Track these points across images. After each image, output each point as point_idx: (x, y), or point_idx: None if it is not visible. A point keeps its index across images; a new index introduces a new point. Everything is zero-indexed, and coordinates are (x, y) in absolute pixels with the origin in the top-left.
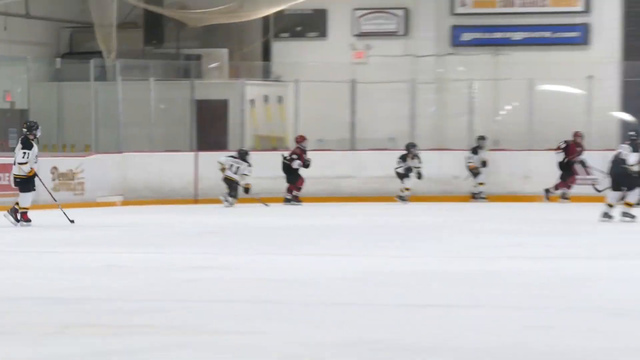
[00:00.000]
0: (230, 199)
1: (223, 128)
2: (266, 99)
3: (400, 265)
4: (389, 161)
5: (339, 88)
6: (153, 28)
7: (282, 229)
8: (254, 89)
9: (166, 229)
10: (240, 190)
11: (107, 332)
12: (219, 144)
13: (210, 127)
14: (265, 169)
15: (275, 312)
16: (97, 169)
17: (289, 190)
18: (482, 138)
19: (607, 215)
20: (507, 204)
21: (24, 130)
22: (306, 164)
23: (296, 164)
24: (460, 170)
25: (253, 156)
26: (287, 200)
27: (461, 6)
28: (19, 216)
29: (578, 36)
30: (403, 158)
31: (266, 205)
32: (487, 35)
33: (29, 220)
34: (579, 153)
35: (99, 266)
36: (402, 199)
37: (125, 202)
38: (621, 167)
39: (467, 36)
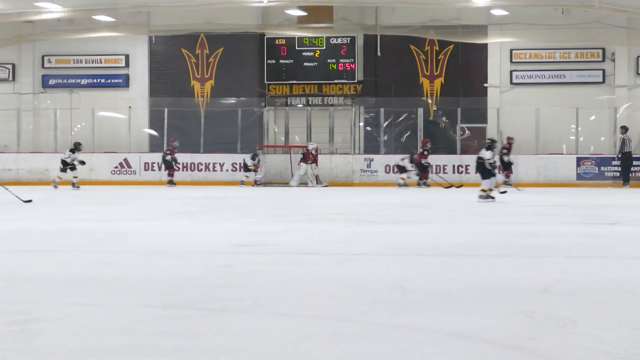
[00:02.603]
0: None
1: None
2: None
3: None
4: None
5: None
6: None
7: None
8: None
9: None
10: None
11: None
12: None
13: None
14: None
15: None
16: None
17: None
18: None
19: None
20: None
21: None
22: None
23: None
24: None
25: None
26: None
27: (48, 63)
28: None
29: (122, 82)
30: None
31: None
32: (65, 81)
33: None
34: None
35: None
36: (242, 184)
37: None
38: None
39: (52, 81)
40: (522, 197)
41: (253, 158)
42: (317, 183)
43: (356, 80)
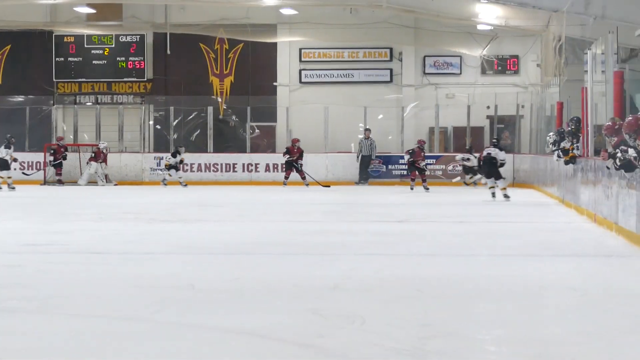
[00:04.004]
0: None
1: None
2: None
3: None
4: None
5: None
6: None
7: None
8: None
9: None
10: None
11: None
12: None
13: None
14: None
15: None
16: None
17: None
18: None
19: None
20: None
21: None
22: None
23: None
24: None
25: None
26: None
27: None
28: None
29: None
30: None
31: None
32: None
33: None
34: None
35: None
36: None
37: None
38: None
39: None
40: (310, 196)
41: (174, 156)
42: (106, 182)
43: (146, 79)
